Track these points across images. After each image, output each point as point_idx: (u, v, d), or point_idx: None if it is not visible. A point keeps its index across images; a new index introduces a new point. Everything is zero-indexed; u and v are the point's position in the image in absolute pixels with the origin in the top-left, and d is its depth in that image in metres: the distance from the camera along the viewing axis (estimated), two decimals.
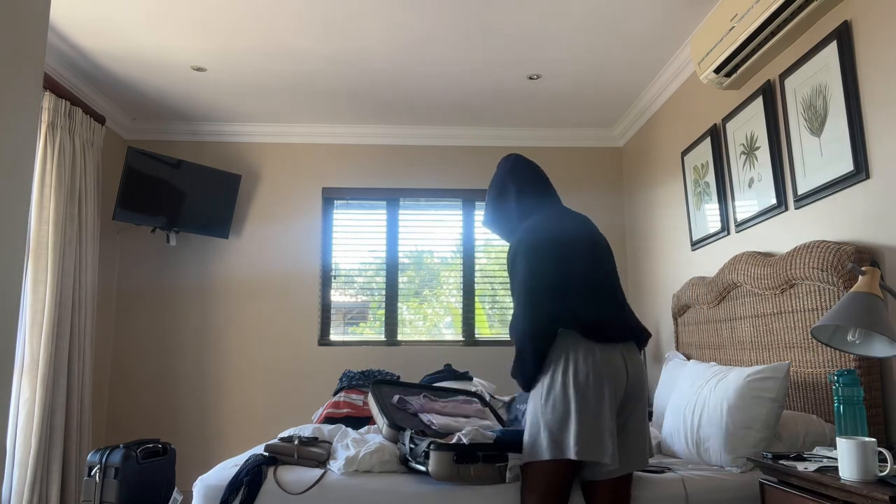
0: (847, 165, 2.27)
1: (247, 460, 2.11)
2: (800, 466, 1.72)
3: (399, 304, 4.63)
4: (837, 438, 1.58)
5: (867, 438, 1.54)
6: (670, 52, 3.55)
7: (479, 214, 4.76)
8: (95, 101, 4.09)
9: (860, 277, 1.79)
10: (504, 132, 4.70)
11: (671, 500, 1.98)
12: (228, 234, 4.48)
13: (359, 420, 3.06)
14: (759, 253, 2.78)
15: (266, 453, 2.14)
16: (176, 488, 2.93)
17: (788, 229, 2.66)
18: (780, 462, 1.80)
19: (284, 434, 2.43)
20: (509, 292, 2.05)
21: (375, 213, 4.73)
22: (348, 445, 2.23)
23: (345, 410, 3.07)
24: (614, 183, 4.77)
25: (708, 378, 2.43)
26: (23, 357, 3.41)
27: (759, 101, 2.83)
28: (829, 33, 2.36)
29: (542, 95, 4.11)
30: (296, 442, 2.18)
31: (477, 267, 4.70)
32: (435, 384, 3.09)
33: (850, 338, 1.82)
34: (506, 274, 4.68)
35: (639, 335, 1.97)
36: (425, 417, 2.35)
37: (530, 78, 3.84)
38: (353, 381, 3.29)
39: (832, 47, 2.33)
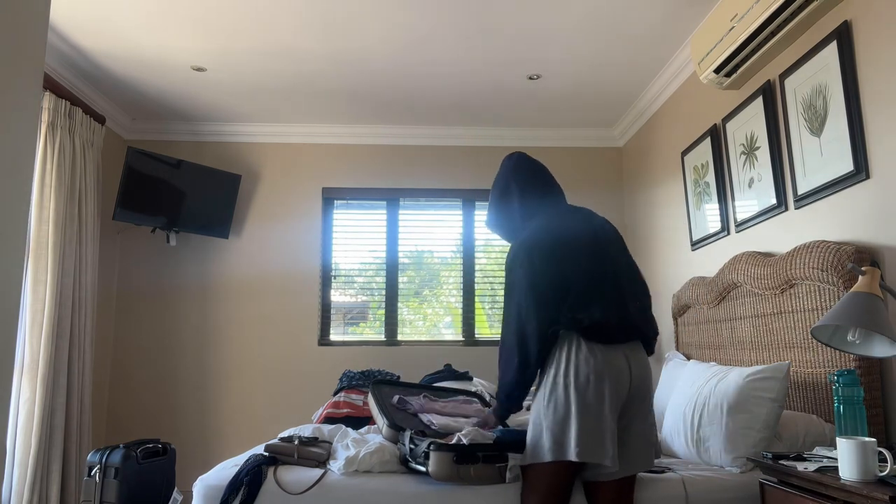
0: (847, 165, 2.27)
1: (247, 460, 2.11)
2: (800, 466, 1.72)
3: (399, 304, 4.63)
4: (837, 438, 1.58)
5: (867, 438, 1.54)
6: (670, 52, 3.55)
7: (480, 214, 4.76)
8: (95, 101, 4.09)
9: (860, 277, 1.79)
10: (504, 132, 4.70)
11: (671, 500, 1.98)
12: (228, 234, 4.48)
13: (359, 420, 3.06)
14: (759, 253, 2.78)
15: (266, 453, 2.14)
16: (176, 488, 2.93)
17: (788, 229, 2.66)
18: (780, 462, 1.80)
19: (284, 434, 2.43)
20: (505, 293, 2.03)
21: (375, 213, 4.73)
22: (348, 445, 2.23)
23: (345, 410, 3.07)
24: (614, 183, 4.77)
25: (708, 378, 2.43)
26: (23, 357, 3.41)
27: (759, 101, 2.83)
28: (829, 33, 2.35)
29: (542, 95, 4.11)
30: (296, 442, 2.18)
31: (477, 267, 4.70)
32: (435, 384, 3.09)
33: (850, 338, 1.82)
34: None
35: (645, 335, 1.96)
36: (425, 417, 2.35)
37: (530, 78, 3.84)
38: (353, 381, 3.29)
39: (832, 47, 2.33)
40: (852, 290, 1.78)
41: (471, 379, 3.35)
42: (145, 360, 4.45)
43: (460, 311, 4.65)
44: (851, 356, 2.14)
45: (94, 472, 2.96)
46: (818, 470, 1.66)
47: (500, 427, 2.06)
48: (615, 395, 1.83)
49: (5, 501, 3.30)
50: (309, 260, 4.59)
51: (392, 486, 1.98)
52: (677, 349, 3.58)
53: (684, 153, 3.61)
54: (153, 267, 4.54)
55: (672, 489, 2.00)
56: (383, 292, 4.64)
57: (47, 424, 3.45)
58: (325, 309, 4.63)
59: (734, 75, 2.88)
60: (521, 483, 1.95)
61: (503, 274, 4.67)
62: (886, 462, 1.53)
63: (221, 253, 4.58)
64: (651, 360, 4.12)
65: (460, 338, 4.62)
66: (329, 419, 3.07)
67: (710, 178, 3.30)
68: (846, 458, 1.54)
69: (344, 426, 2.73)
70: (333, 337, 4.61)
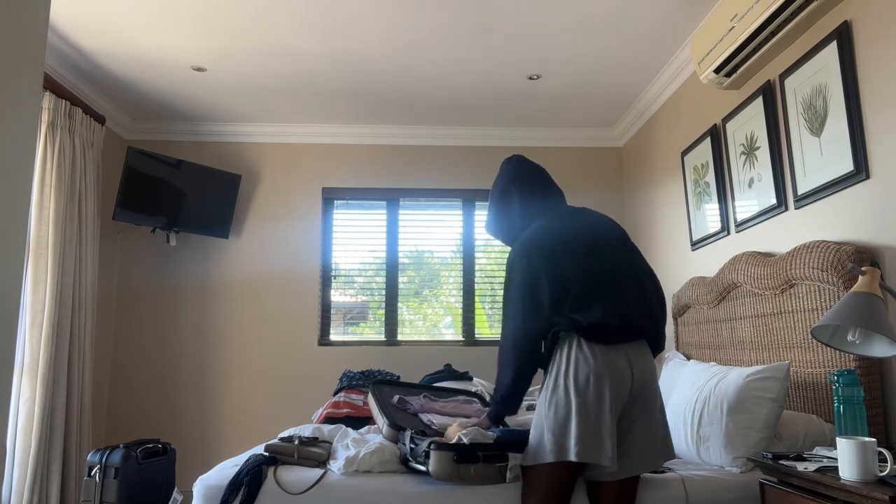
0: (847, 165, 2.27)
1: (247, 460, 2.11)
2: (800, 466, 1.72)
3: (399, 304, 4.63)
4: (837, 438, 1.58)
5: (867, 438, 1.54)
6: (670, 52, 3.55)
7: (480, 214, 4.76)
8: (95, 101, 4.09)
9: (860, 277, 1.79)
10: (504, 132, 4.70)
11: (671, 500, 1.98)
12: (228, 234, 4.48)
13: (359, 420, 3.06)
14: (759, 253, 2.78)
15: (266, 453, 2.14)
16: (176, 488, 2.93)
17: (788, 229, 2.66)
18: (780, 462, 1.80)
19: (284, 434, 2.43)
20: (504, 294, 2.03)
21: (375, 213, 4.73)
22: (348, 445, 2.23)
23: (345, 410, 3.07)
24: (614, 183, 4.77)
25: (708, 378, 2.43)
26: (23, 357, 3.41)
27: (759, 101, 2.83)
28: (829, 33, 2.35)
29: (542, 95, 4.11)
30: (296, 442, 2.18)
31: (477, 267, 4.70)
32: (435, 384, 3.09)
33: (850, 338, 1.82)
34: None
35: (650, 335, 1.95)
36: (425, 417, 2.35)
37: (530, 78, 3.84)
38: (353, 381, 3.29)
39: (832, 47, 2.33)
40: (852, 290, 1.78)
41: (471, 379, 3.35)
42: (145, 360, 4.45)
43: (460, 311, 4.65)
44: (851, 356, 2.14)
45: (94, 472, 2.96)
46: (818, 470, 1.66)
47: (501, 427, 2.06)
48: (616, 395, 1.82)
49: (5, 501, 3.30)
50: (309, 260, 4.59)
51: (392, 486, 1.98)
52: (677, 349, 3.58)
53: (684, 153, 3.61)
54: (153, 267, 4.54)
55: (672, 489, 2.00)
56: (383, 292, 4.64)
57: (47, 424, 3.45)
58: (325, 309, 4.63)
59: (734, 75, 2.88)
60: (521, 483, 1.95)
61: (503, 274, 4.68)
62: (886, 462, 1.53)
63: (221, 253, 4.58)
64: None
65: (460, 338, 4.62)
66: (329, 419, 3.07)
67: (710, 178, 3.30)
68: (846, 458, 1.54)
69: (344, 426, 2.73)
70: (333, 337, 4.61)
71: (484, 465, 1.93)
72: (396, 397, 2.50)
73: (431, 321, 4.65)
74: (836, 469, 1.66)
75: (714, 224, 3.28)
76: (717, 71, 2.88)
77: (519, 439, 1.96)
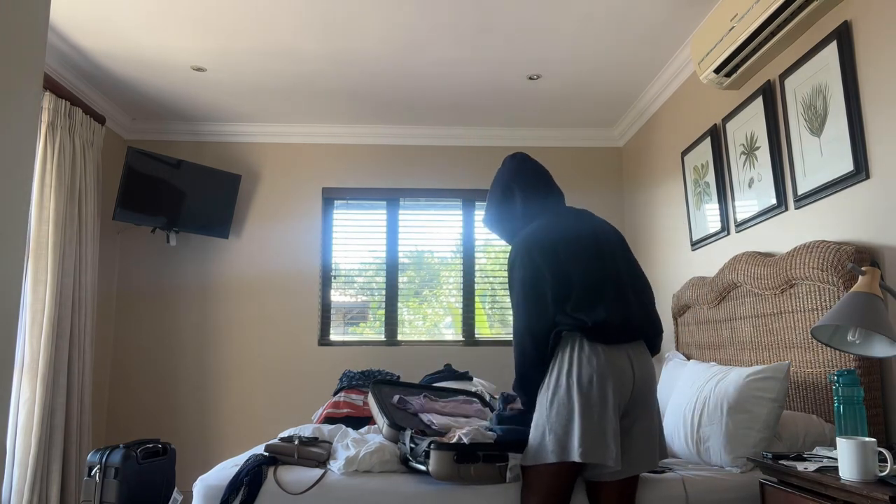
0: (847, 165, 2.27)
1: (247, 460, 2.11)
2: (800, 466, 1.72)
3: (399, 304, 4.63)
4: (837, 438, 1.58)
5: (867, 438, 1.54)
6: (670, 52, 3.55)
7: (480, 214, 4.76)
8: (95, 101, 4.09)
9: (860, 277, 1.79)
10: (504, 132, 4.70)
11: (671, 500, 1.98)
12: (228, 234, 4.48)
13: (359, 420, 3.06)
14: (759, 253, 2.78)
15: (266, 453, 2.14)
16: (176, 488, 2.93)
17: (788, 229, 2.66)
18: (780, 462, 1.80)
19: (284, 434, 2.43)
20: (509, 292, 2.03)
21: (375, 213, 4.73)
22: (348, 445, 2.23)
23: (345, 410, 3.07)
24: (614, 183, 4.77)
25: (708, 378, 2.43)
26: (23, 357, 3.41)
27: (759, 101, 2.83)
28: (829, 33, 2.35)
29: (542, 95, 4.11)
30: (296, 442, 2.18)
31: (477, 267, 4.70)
32: (435, 384, 3.09)
33: (850, 338, 1.82)
34: (506, 274, 4.68)
35: (648, 335, 1.96)
36: (425, 417, 2.35)
37: (530, 78, 3.84)
38: (353, 381, 3.29)
39: (832, 47, 2.33)
40: (852, 290, 1.78)
41: (471, 379, 3.35)
42: (145, 360, 4.45)
43: (460, 311, 4.65)
44: (851, 356, 2.14)
45: (94, 472, 2.96)
46: (818, 470, 1.66)
47: (501, 426, 2.06)
48: (618, 395, 1.83)
49: (5, 501, 3.30)
50: (309, 260, 4.59)
51: (392, 486, 1.98)
52: (677, 349, 3.58)
53: (684, 153, 3.61)
54: (153, 267, 4.54)
55: (672, 489, 2.00)
56: (383, 292, 4.64)
57: (47, 424, 3.45)
58: (325, 309, 4.63)
59: (734, 75, 2.88)
60: (521, 485, 1.95)
61: (503, 274, 4.68)
62: (886, 462, 1.53)
63: (221, 253, 4.58)
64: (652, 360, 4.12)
65: (460, 338, 4.62)
66: (329, 419, 3.07)
67: (710, 178, 3.30)
68: (846, 458, 1.54)
69: (344, 426, 2.73)
70: (333, 337, 4.61)
71: (484, 464, 1.93)
72: (396, 397, 2.50)
73: (431, 321, 4.65)
74: (836, 469, 1.66)
75: (714, 224, 3.28)
76: (717, 71, 2.88)
77: (519, 439, 1.96)
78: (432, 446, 1.92)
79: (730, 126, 3.11)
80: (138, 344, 4.47)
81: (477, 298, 4.67)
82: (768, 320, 2.65)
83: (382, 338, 4.59)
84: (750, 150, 2.94)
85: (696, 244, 3.50)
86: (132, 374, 4.44)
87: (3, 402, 1.14)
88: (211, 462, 4.35)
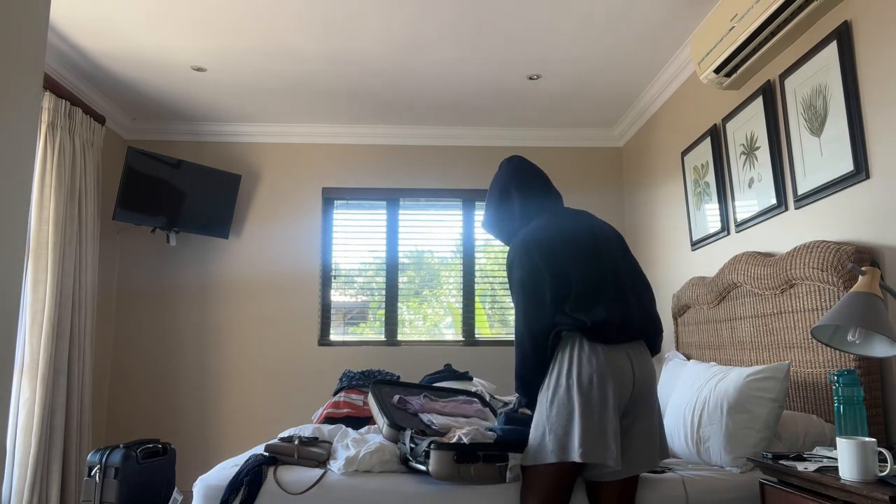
0: (847, 165, 2.27)
1: (247, 460, 2.11)
2: (800, 466, 1.72)
3: (399, 304, 4.63)
4: (837, 438, 1.58)
5: (867, 438, 1.54)
6: (670, 52, 3.55)
7: (480, 214, 4.76)
8: (95, 101, 4.09)
9: (860, 277, 1.79)
10: (504, 132, 4.70)
11: (671, 500, 1.98)
12: (228, 234, 4.48)
13: (359, 420, 3.06)
14: (759, 253, 2.78)
15: (266, 453, 2.14)
16: (176, 488, 2.93)
17: (788, 229, 2.66)
18: (780, 462, 1.80)
19: (284, 434, 2.43)
20: (509, 293, 2.04)
21: (375, 213, 4.73)
22: (348, 445, 2.23)
23: (345, 410, 3.07)
24: (614, 183, 4.77)
25: (708, 378, 2.43)
26: (23, 357, 3.41)
27: (759, 101, 2.83)
28: (829, 33, 2.36)
29: (542, 95, 4.11)
30: (296, 442, 2.18)
31: (477, 267, 4.70)
32: (435, 384, 3.09)
33: (850, 338, 1.82)
34: (505, 274, 4.68)
35: (648, 335, 1.96)
36: (425, 417, 2.35)
37: (530, 78, 3.84)
38: (353, 381, 3.29)
39: (832, 47, 2.33)
40: (852, 290, 1.78)
41: (471, 379, 3.35)
42: (145, 360, 4.45)
43: (460, 311, 4.65)
44: (851, 356, 2.14)
45: (94, 472, 2.96)
46: (818, 470, 1.66)
47: (501, 426, 2.06)
48: (618, 395, 1.83)
49: (5, 501, 3.30)
50: (309, 260, 4.59)
51: (392, 486, 1.98)
52: (677, 349, 3.58)
53: (684, 153, 3.61)
54: (153, 267, 4.54)
55: (672, 489, 2.00)
56: (383, 292, 4.64)
57: (47, 424, 3.45)
58: (325, 309, 4.63)
59: (734, 75, 2.88)
60: (521, 485, 1.95)
61: (503, 274, 4.68)
62: (886, 462, 1.53)
63: (221, 253, 4.58)
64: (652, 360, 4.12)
65: (460, 338, 4.62)
66: (329, 419, 3.07)
67: (710, 178, 3.30)
68: (846, 458, 1.54)
69: (344, 426, 2.73)
70: (333, 337, 4.61)
71: (484, 464, 1.93)
72: (396, 397, 2.50)
73: (431, 321, 4.65)
74: (836, 469, 1.66)
75: (714, 224, 3.28)
76: (717, 71, 2.88)
77: (519, 439, 1.96)
78: (432, 446, 1.92)
79: (730, 126, 3.11)
80: (138, 344, 4.47)
81: (477, 298, 4.67)
82: (768, 320, 2.65)
83: (382, 338, 4.59)
84: (750, 150, 2.94)
85: (696, 244, 3.50)
86: (132, 374, 4.44)
87: (3, 402, 1.14)
88: (211, 462, 4.35)
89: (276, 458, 2.14)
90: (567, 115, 4.44)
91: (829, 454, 1.84)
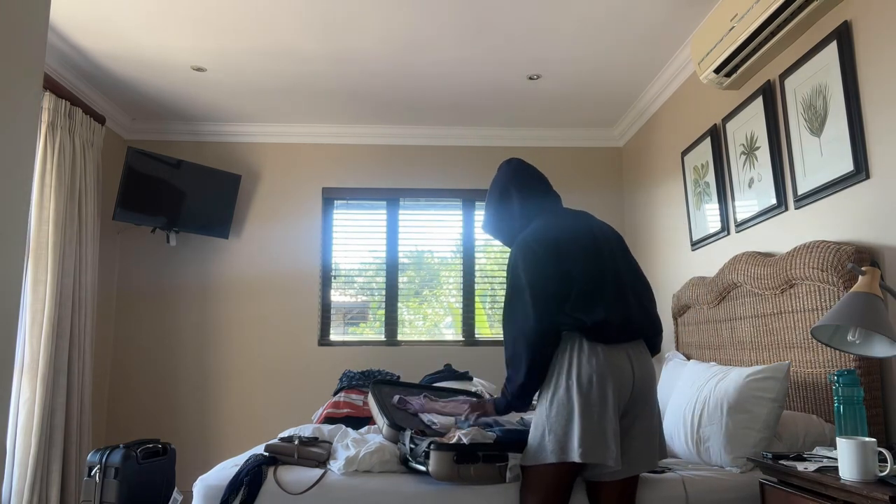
0: (847, 165, 2.27)
1: (247, 460, 2.11)
2: (800, 466, 1.72)
3: (399, 304, 4.63)
4: (837, 438, 1.58)
5: (867, 438, 1.54)
6: (670, 52, 3.55)
7: (479, 215, 4.76)
8: (95, 101, 4.09)
9: (860, 277, 1.79)
10: (504, 132, 4.70)
11: (671, 500, 1.98)
12: (228, 234, 4.48)
13: (359, 420, 3.06)
14: (759, 253, 2.78)
15: (266, 453, 2.14)
16: (176, 488, 2.93)
17: (788, 229, 2.66)
18: (780, 462, 1.80)
19: (284, 434, 2.43)
20: (509, 293, 2.02)
21: (375, 213, 4.73)
22: (348, 445, 2.23)
23: (345, 410, 3.07)
24: (614, 183, 4.77)
25: (708, 378, 2.43)
26: (23, 357, 3.41)
27: (759, 101, 2.83)
28: (829, 33, 2.36)
29: (542, 95, 4.11)
30: (296, 442, 2.18)
31: (477, 267, 4.70)
32: (435, 384, 3.09)
33: (850, 338, 1.82)
34: (505, 274, 4.67)
35: (648, 335, 1.95)
36: (426, 417, 2.35)
37: (530, 78, 3.84)
38: (353, 381, 3.29)
39: (832, 47, 2.33)
40: (852, 290, 1.78)
41: (471, 379, 3.35)
42: (145, 360, 4.45)
43: (460, 311, 4.65)
44: (851, 356, 2.14)
45: (94, 472, 2.96)
46: (818, 470, 1.66)
47: (501, 426, 2.06)
48: (618, 395, 1.83)
49: (5, 501, 3.30)
50: (309, 260, 4.59)
51: (392, 486, 1.98)
52: (677, 349, 3.58)
53: (684, 153, 3.61)
54: (153, 267, 4.54)
55: (672, 489, 2.00)
56: (383, 292, 4.64)
57: (47, 424, 3.45)
58: (325, 309, 4.63)
59: (734, 75, 2.88)
60: (520, 484, 1.95)
61: (503, 274, 4.68)
62: (886, 462, 1.53)
63: (221, 253, 4.58)
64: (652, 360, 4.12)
65: (460, 338, 4.62)
66: (329, 419, 3.07)
67: (710, 178, 3.30)
68: (846, 458, 1.54)
69: (344, 426, 2.73)
70: (333, 337, 4.61)
71: (484, 464, 1.93)
72: (396, 397, 2.50)
73: (431, 321, 4.65)
74: (836, 469, 1.66)
75: (714, 224, 3.28)
76: (717, 71, 2.88)
77: (519, 439, 1.96)
78: (432, 446, 1.92)
79: (730, 126, 3.11)
80: (138, 344, 4.47)
81: (477, 298, 4.67)
82: (768, 320, 2.65)
83: (382, 338, 4.59)
84: (750, 150, 2.94)
85: (696, 244, 3.50)
86: (132, 374, 4.44)
87: (3, 402, 1.14)
88: (211, 462, 4.35)
89: (276, 458, 2.14)
90: (567, 115, 4.44)
91: (829, 454, 1.84)
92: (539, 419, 1.88)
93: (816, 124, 2.44)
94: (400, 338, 4.59)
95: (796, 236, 2.60)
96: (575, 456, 1.77)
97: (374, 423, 2.98)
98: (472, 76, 3.82)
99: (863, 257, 2.14)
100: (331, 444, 2.32)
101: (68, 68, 3.72)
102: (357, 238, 4.70)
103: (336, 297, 4.66)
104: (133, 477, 3.01)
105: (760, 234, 2.88)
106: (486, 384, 3.33)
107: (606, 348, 1.85)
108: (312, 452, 2.15)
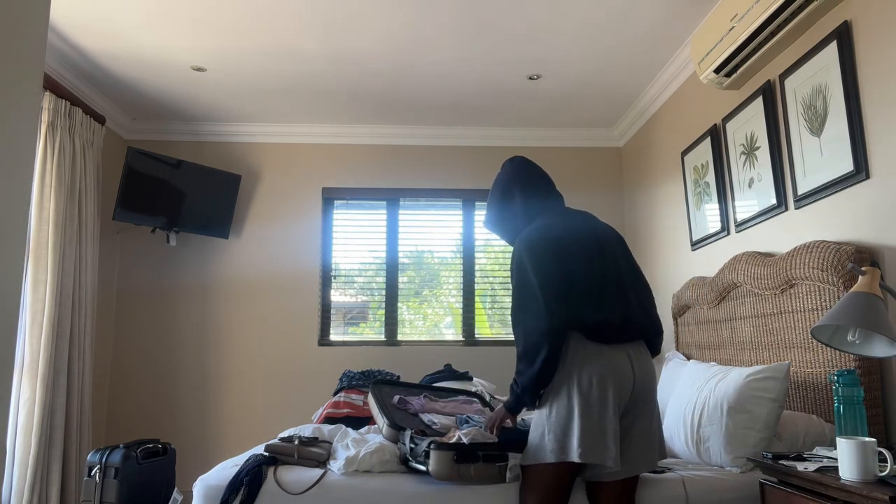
0: (847, 165, 2.27)
1: (247, 460, 2.11)
2: (800, 466, 1.72)
3: (399, 304, 4.63)
4: (837, 438, 1.58)
5: (867, 438, 1.54)
6: (670, 52, 3.55)
7: (480, 214, 4.76)
8: (95, 101, 4.09)
9: (860, 277, 1.79)
10: (504, 132, 4.70)
11: (671, 500, 1.98)
12: (228, 234, 4.48)
13: (359, 420, 3.06)
14: (759, 253, 2.78)
15: (266, 453, 2.14)
16: (176, 488, 2.93)
17: (788, 229, 2.66)
18: (780, 462, 1.80)
19: (284, 434, 2.43)
20: (509, 293, 2.02)
21: (375, 213, 4.73)
22: (348, 445, 2.23)
23: (345, 410, 3.07)
24: (614, 183, 4.77)
25: (708, 378, 2.43)
26: (23, 357, 3.41)
27: (759, 101, 2.83)
28: (829, 33, 2.36)
29: (542, 95, 4.11)
30: (296, 442, 2.18)
31: (477, 267, 4.70)
32: (435, 384, 3.09)
33: (850, 338, 1.82)
34: (506, 274, 4.67)
35: (648, 336, 1.95)
36: (426, 417, 2.35)
37: (530, 78, 3.84)
38: (353, 381, 3.29)
39: (832, 47, 2.33)
40: (852, 290, 1.78)
41: (471, 379, 3.35)
42: (145, 360, 4.45)
43: (460, 311, 4.65)
44: (851, 356, 2.14)
45: (94, 472, 2.96)
46: (818, 470, 1.66)
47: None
48: (618, 395, 1.83)
49: (5, 501, 3.30)
50: (309, 260, 4.59)
51: (392, 486, 1.98)
52: (677, 349, 3.58)
53: (684, 153, 3.61)
54: (153, 267, 4.54)
55: (672, 489, 2.00)
56: (383, 292, 4.64)
57: (47, 424, 3.45)
58: (325, 309, 4.63)
59: (734, 75, 2.88)
60: (520, 484, 1.95)
61: (503, 274, 4.68)
62: (886, 462, 1.53)
63: (221, 253, 4.58)
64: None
65: (460, 338, 4.62)
66: (329, 419, 3.07)
67: (710, 178, 3.30)
68: (846, 458, 1.54)
69: (344, 426, 2.73)
70: (333, 337, 4.61)
71: (484, 464, 1.93)
72: (396, 397, 2.50)
73: (431, 321, 4.65)
74: (836, 469, 1.66)
75: (714, 224, 3.28)
76: (717, 71, 2.88)
77: (519, 439, 1.96)
78: (432, 446, 1.92)
79: (730, 126, 3.11)
80: (138, 344, 4.47)
81: (477, 298, 4.67)
82: (768, 320, 2.65)
83: (382, 338, 4.59)
84: (750, 150, 2.94)
85: (696, 244, 3.50)
86: (132, 374, 4.44)
87: (3, 402, 1.14)
88: (211, 462, 4.35)
89: (276, 458, 2.14)
90: (567, 115, 4.44)
91: (829, 454, 1.84)
92: (539, 419, 1.88)
93: (816, 124, 2.44)
94: (400, 338, 4.59)
95: (796, 236, 2.60)
96: (574, 456, 1.77)
97: (374, 423, 2.98)
98: (472, 76, 3.82)
99: (863, 257, 2.14)
100: (331, 444, 2.32)
101: (68, 68, 3.72)
102: (357, 238, 4.70)
103: (336, 297, 4.66)
104: (133, 477, 3.01)
105: (760, 234, 2.88)
106: (486, 384, 3.33)
107: (607, 348, 1.85)
108: (312, 452, 2.15)
